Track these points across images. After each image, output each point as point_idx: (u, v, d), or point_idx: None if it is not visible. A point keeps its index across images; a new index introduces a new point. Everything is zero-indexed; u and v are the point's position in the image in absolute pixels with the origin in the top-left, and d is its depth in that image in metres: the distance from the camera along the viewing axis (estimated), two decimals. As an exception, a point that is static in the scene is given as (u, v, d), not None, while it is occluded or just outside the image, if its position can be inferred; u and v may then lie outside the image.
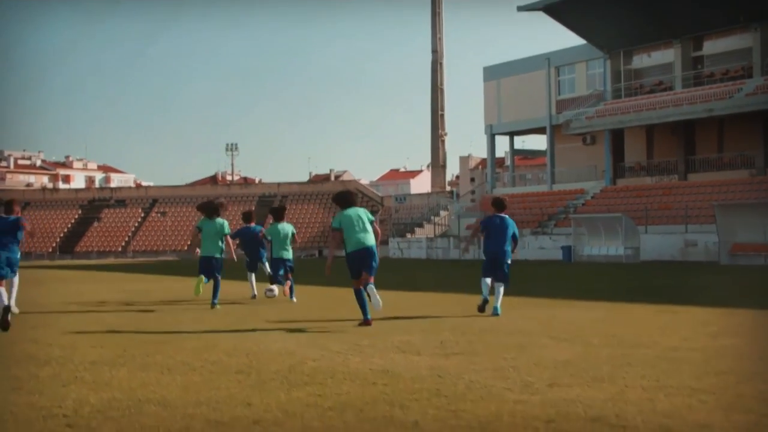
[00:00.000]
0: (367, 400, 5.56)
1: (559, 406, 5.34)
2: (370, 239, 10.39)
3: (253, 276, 16.15)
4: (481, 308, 11.69)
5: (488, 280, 11.77)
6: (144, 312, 13.09)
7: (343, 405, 5.43)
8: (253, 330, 10.12)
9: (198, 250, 14.08)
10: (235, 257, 14.48)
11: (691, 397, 5.56)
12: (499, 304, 11.56)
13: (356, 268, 10.32)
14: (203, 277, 13.58)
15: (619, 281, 21.49)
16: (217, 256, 13.78)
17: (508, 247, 11.90)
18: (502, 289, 11.73)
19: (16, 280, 11.53)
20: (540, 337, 8.98)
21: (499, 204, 12.13)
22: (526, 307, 12.68)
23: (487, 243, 11.94)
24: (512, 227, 12.00)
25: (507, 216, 12.08)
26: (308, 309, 13.21)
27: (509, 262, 11.94)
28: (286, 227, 15.11)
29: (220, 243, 13.83)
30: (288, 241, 14.95)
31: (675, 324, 10.23)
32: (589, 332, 9.39)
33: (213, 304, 13.40)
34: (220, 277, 13.75)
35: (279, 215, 15.40)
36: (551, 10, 47.10)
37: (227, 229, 14.01)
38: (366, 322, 10.20)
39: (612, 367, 6.85)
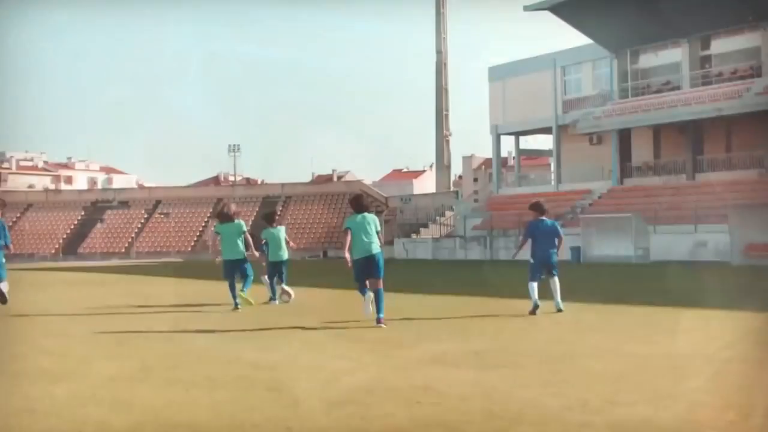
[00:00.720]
0: (418, 423, 5.08)
1: (628, 429, 4.88)
2: (376, 247, 10.78)
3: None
4: (533, 313, 11.74)
5: (536, 285, 11.84)
6: (156, 315, 12.65)
7: (394, 430, 4.95)
8: (274, 336, 9.69)
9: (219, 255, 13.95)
10: (257, 254, 14.40)
11: (770, 419, 5.10)
12: (559, 299, 11.91)
13: (363, 275, 10.71)
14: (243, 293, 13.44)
15: (637, 283, 21.04)
16: (240, 258, 13.64)
17: (555, 250, 12.19)
18: (557, 281, 11.96)
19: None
20: (579, 345, 8.53)
21: (540, 208, 12.26)
22: (551, 311, 12.22)
23: (536, 248, 12.07)
24: (556, 229, 12.28)
25: (548, 218, 12.27)
26: (323, 313, 12.80)
27: (556, 262, 12.21)
28: (281, 230, 15.40)
29: (241, 244, 13.71)
30: (284, 243, 15.11)
31: (716, 331, 9.76)
32: (628, 340, 8.94)
33: (243, 291, 13.41)
34: (250, 275, 13.74)
35: (271, 219, 15.69)
36: (557, 10, 46.62)
37: (245, 227, 13.99)
38: (378, 320, 10.38)
39: (670, 381, 6.39)
